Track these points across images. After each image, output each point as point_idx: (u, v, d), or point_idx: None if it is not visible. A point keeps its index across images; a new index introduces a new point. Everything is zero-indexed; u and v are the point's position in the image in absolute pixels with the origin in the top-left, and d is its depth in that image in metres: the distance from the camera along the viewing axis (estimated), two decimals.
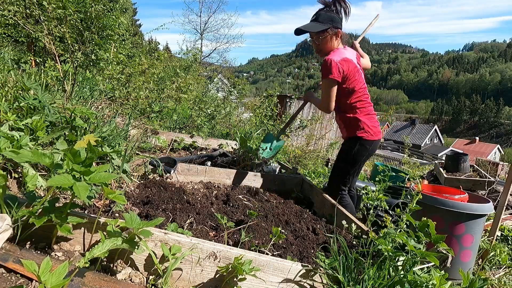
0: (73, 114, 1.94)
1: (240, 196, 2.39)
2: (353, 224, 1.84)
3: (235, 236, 1.65)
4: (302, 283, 1.32)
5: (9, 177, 1.53)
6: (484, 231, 2.54)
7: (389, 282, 1.24)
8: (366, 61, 2.61)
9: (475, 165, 5.04)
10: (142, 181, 2.23)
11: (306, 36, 2.43)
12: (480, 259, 2.41)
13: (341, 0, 2.21)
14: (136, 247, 1.14)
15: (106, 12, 4.64)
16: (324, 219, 2.11)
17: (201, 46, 20.96)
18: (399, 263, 1.33)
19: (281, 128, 3.02)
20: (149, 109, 4.27)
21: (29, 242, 1.18)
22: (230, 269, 1.23)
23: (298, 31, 2.24)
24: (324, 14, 2.19)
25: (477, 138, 46.19)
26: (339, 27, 2.22)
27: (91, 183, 1.09)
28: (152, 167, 2.39)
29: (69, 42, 3.20)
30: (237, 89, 6.88)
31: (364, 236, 1.71)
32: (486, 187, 4.20)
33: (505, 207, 2.62)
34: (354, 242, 1.72)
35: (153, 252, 1.20)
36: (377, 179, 2.82)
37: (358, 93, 2.24)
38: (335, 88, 2.18)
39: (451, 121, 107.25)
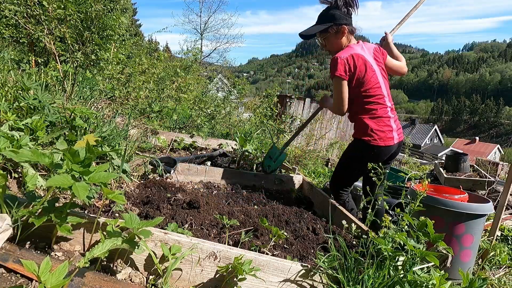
0: (73, 114, 1.94)
1: (239, 196, 2.39)
2: (353, 224, 1.84)
3: (235, 236, 1.65)
4: (302, 283, 1.33)
5: (9, 177, 1.53)
6: (484, 231, 2.54)
7: (389, 282, 1.24)
8: (397, 62, 2.35)
9: (475, 165, 5.04)
10: (142, 181, 2.23)
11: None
12: (480, 259, 2.41)
13: None
14: (136, 247, 1.14)
15: (106, 12, 4.64)
16: (324, 219, 2.11)
17: (201, 46, 21.01)
18: (399, 263, 1.33)
19: (287, 141, 2.96)
20: (149, 109, 4.27)
21: (29, 242, 1.18)
22: (230, 269, 1.23)
23: (302, 36, 2.19)
24: (325, 14, 2.12)
25: (477, 138, 46.19)
26: (343, 23, 2.07)
27: (90, 183, 1.09)
28: (152, 167, 2.39)
29: (69, 42, 3.20)
30: (237, 89, 6.87)
31: (364, 236, 1.71)
32: (486, 187, 4.19)
33: (505, 207, 2.62)
34: (354, 242, 1.72)
35: (153, 252, 1.20)
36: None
37: (367, 93, 2.07)
38: (345, 87, 2.05)
39: (451, 121, 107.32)
